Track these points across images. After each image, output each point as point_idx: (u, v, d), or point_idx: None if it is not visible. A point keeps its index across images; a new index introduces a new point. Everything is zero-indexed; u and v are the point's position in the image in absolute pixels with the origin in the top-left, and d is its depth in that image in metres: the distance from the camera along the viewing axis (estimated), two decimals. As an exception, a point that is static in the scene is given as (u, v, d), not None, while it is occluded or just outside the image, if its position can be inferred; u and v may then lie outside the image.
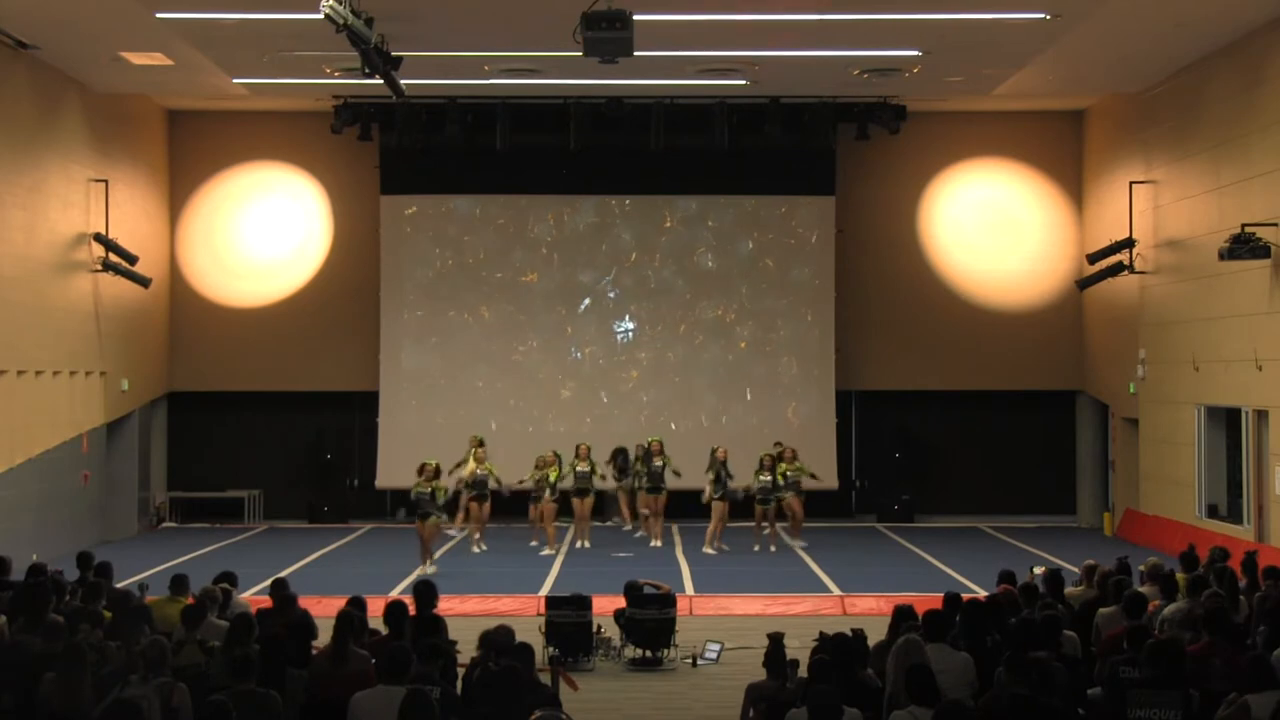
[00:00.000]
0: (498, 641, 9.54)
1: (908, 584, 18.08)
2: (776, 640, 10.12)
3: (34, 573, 12.05)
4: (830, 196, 26.20)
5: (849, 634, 9.82)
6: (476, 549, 21.33)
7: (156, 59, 20.58)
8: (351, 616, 9.71)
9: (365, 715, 8.19)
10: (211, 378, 26.49)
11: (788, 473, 21.53)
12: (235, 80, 22.32)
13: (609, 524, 24.21)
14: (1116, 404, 25.16)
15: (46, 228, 21.37)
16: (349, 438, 26.68)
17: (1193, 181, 21.60)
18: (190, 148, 26.54)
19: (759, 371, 26.20)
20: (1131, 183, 23.66)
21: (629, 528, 23.30)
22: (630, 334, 26.26)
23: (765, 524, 21.72)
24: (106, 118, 23.42)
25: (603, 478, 22.76)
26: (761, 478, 21.46)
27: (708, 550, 21.38)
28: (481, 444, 21.71)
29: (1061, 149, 26.66)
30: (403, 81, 18.44)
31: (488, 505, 21.38)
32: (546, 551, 21.31)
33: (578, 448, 22.28)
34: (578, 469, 22.05)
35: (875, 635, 10.53)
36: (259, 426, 26.61)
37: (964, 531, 24.99)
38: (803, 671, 9.74)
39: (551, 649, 13.71)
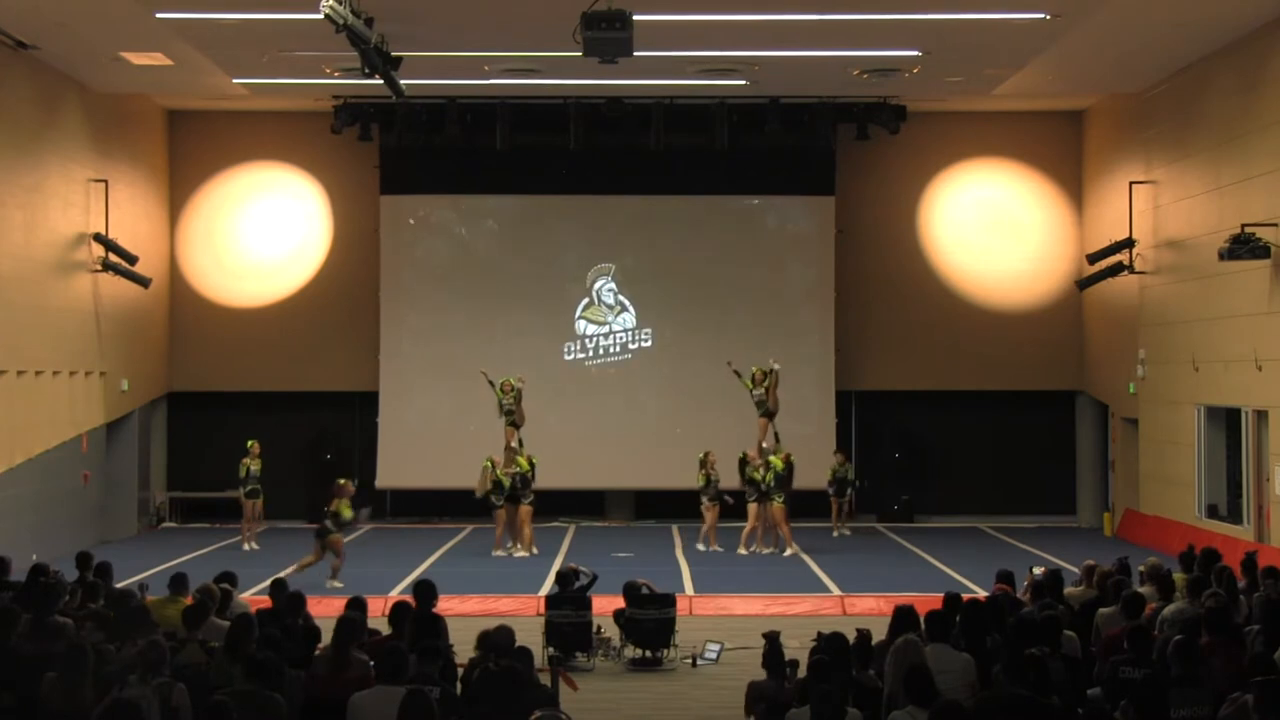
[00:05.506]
0: (498, 642, 9.54)
1: (908, 584, 18.07)
2: (773, 639, 10.11)
3: (38, 573, 12.02)
4: (830, 196, 26.19)
5: (853, 633, 9.82)
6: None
7: (156, 59, 20.58)
8: (353, 621, 9.69)
9: (365, 716, 8.18)
10: (211, 378, 26.48)
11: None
12: (235, 80, 22.32)
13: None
14: (1116, 404, 25.15)
15: (46, 228, 21.37)
16: (349, 438, 26.68)
17: (1193, 181, 21.60)
18: (190, 148, 26.53)
19: (759, 371, 26.15)
20: (1131, 183, 23.65)
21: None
22: (630, 334, 26.25)
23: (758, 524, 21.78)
24: (106, 118, 23.42)
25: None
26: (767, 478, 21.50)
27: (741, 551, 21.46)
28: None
29: (1061, 149, 26.65)
30: (403, 81, 18.46)
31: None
32: (520, 553, 21.17)
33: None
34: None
35: (875, 635, 10.52)
36: (259, 426, 26.49)
37: (964, 531, 24.99)
38: (802, 671, 9.74)
39: (551, 649, 13.72)
